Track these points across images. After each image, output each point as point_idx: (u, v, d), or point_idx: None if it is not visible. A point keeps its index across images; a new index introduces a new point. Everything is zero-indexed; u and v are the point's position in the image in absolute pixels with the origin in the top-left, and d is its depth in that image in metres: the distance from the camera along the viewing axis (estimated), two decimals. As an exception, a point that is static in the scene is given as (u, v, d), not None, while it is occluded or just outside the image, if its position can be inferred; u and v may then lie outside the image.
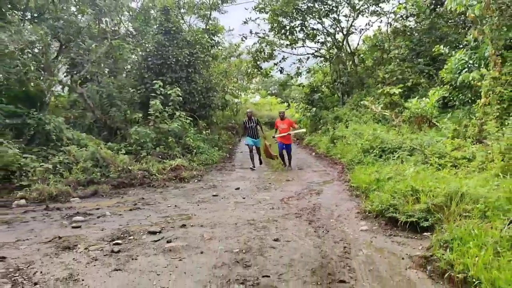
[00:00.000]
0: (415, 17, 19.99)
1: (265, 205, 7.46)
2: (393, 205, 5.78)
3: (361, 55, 24.02)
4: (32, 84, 11.92)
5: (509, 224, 4.00)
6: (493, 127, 8.55)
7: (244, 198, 8.18)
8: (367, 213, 6.31)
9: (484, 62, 11.40)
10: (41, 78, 12.45)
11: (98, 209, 7.51)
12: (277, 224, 6.07)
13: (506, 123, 8.22)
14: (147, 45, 16.99)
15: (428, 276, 4.03)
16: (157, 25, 16.53)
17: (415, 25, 20.16)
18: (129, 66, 17.18)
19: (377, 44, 21.85)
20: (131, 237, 5.54)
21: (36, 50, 13.32)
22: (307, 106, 23.55)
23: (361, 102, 17.13)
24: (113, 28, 17.31)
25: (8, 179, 9.41)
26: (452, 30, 17.72)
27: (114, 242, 5.28)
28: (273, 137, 11.73)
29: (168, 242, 5.27)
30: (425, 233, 5.17)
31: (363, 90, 20.90)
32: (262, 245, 5.12)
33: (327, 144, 15.76)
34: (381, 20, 22.91)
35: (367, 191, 7.40)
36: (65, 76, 17.00)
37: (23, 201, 8.29)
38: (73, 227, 6.21)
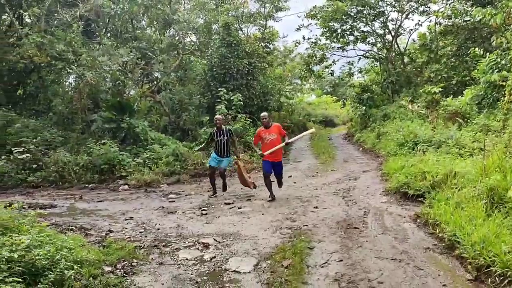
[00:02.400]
0: (463, 15, 20.88)
1: (311, 187, 9.50)
2: (406, 183, 7.62)
3: (410, 55, 25.22)
4: (124, 95, 14.70)
5: (473, 188, 5.78)
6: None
7: (294, 182, 10.25)
8: (388, 191, 8.18)
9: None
10: (128, 89, 15.32)
11: (183, 191, 9.92)
12: (317, 199, 8.11)
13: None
14: (210, 57, 19.49)
15: (416, 225, 5.92)
16: (220, 39, 18.96)
17: (463, 23, 21.09)
18: (196, 76, 19.75)
19: (425, 43, 23.01)
20: (213, 206, 7.84)
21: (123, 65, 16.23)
22: (357, 105, 25.09)
23: (401, 102, 18.51)
24: (182, 42, 20.06)
25: (111, 171, 12.11)
26: (496, 29, 18.63)
27: (202, 209, 7.59)
28: (261, 155, 8.37)
29: (239, 208, 7.51)
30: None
31: (410, 89, 22.16)
32: (305, 210, 7.19)
33: (373, 140, 17.40)
34: (430, 20, 23.71)
35: (393, 176, 9.21)
36: (141, 87, 19.97)
37: (126, 187, 10.90)
38: (170, 201, 8.63)
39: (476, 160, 7.47)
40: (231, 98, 16.20)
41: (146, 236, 6.09)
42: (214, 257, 5.02)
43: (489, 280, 3.91)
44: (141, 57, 17.59)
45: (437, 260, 4.59)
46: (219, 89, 16.49)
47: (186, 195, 9.30)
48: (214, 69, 18.02)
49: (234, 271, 4.55)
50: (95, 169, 12.09)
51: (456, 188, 6.41)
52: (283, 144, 8.10)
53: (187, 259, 5.02)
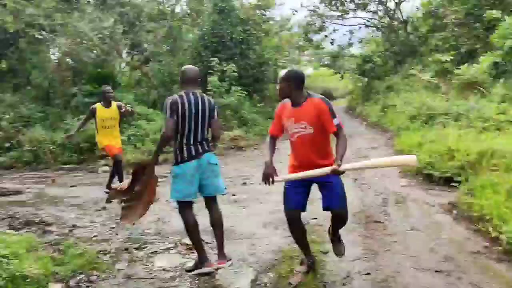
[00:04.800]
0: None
1: (316, 167, 8.30)
2: (430, 163, 6.44)
3: (414, 23, 23.75)
4: (104, 65, 13.34)
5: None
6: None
7: (296, 162, 9.05)
8: (407, 172, 7.00)
9: (536, 25, 11.37)
10: (111, 60, 13.94)
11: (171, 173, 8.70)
12: (325, 182, 6.92)
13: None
14: (202, 25, 17.98)
15: (453, 218, 4.76)
16: (212, 5, 17.43)
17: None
18: (186, 45, 18.28)
19: (430, 11, 21.54)
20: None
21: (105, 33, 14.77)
22: (358, 76, 23.78)
23: (410, 71, 17.25)
24: (170, 10, 18.52)
25: (92, 150, 10.87)
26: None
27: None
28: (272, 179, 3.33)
29: (232, 195, 6.31)
30: (457, 187, 5.83)
31: (415, 59, 20.85)
32: (311, 197, 5.99)
33: (378, 113, 16.19)
34: (436, -16, 22.23)
35: (410, 153, 8.02)
36: (126, 57, 18.50)
37: (106, 168, 9.67)
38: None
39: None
40: (225, 69, 14.84)
41: (117, 234, 4.91)
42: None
43: None
44: (129, 26, 16.14)
45: (496, 273, 3.41)
46: (211, 59, 15.11)
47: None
48: (206, 38, 16.58)
49: (226, 290, 3.40)
50: (73, 148, 10.88)
51: (497, 170, 5.25)
52: (331, 168, 3.03)
53: (164, 269, 3.85)
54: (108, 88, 6.67)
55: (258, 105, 16.77)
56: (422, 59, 19.64)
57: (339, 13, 24.01)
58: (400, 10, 24.07)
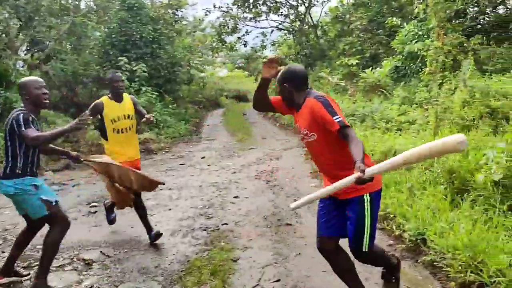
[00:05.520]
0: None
1: (228, 170, 8.15)
2: (339, 163, 6.57)
3: (324, 27, 24.71)
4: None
5: (424, 171, 4.82)
6: (436, 93, 9.44)
7: (209, 165, 8.83)
8: (317, 172, 7.09)
9: (431, 33, 12.28)
10: (5, 57, 12.60)
11: (72, 180, 8.03)
12: (237, 185, 6.79)
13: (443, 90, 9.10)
14: (109, 22, 17.06)
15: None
16: (120, 1, 16.59)
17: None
18: (92, 43, 17.22)
19: (338, 16, 22.55)
20: (107, 200, 6.14)
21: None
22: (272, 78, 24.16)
23: (319, 74, 17.87)
24: (74, 4, 17.32)
25: None
26: (408, 1, 18.57)
27: (91, 205, 5.89)
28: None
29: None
30: (364, 185, 5.99)
31: (325, 62, 21.66)
32: (222, 202, 5.83)
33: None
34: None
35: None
36: (25, 55, 16.98)
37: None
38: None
39: (423, 135, 6.63)
40: (134, 68, 14.18)
41: (3, 252, 4.33)
42: (97, 285, 3.48)
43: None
44: (26, 20, 14.75)
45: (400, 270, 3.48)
46: (119, 58, 14.37)
47: (74, 186, 7.44)
48: (114, 36, 15.74)
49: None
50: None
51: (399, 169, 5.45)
52: (354, 177, 2.14)
53: (55, 291, 3.42)
54: (117, 75, 4.55)
55: (171, 106, 16.28)
56: (331, 62, 20.46)
57: (252, 15, 24.22)
58: (310, 14, 24.89)
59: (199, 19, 26.77)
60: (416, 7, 12.40)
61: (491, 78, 9.07)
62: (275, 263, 3.71)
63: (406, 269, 3.49)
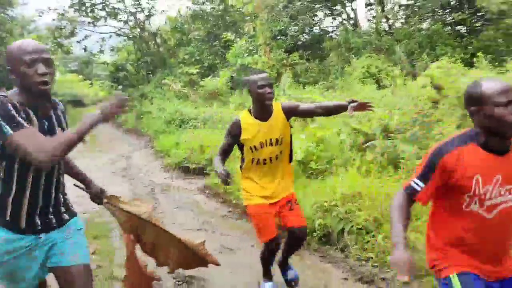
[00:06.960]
0: (210, 2, 22.46)
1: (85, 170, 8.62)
2: (186, 158, 7.78)
3: (163, 35, 25.66)
4: None
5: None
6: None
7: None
8: (168, 167, 8.19)
9: (259, 49, 14.40)
10: None
11: None
12: (97, 181, 7.43)
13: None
14: None
15: (206, 196, 6.12)
16: None
17: (211, 10, 22.68)
18: None
19: (177, 26, 23.78)
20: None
21: None
22: (112, 84, 24.19)
23: (163, 81, 18.88)
24: None
25: None
26: (241, 18, 20.79)
27: None
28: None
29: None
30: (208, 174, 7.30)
31: (166, 69, 22.65)
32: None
33: (134, 119, 17.12)
34: (181, 4, 24.60)
35: (169, 152, 9.27)
36: None
37: None
38: None
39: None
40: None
41: None
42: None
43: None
44: None
45: (236, 225, 4.84)
46: None
47: None
48: None
49: None
50: None
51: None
52: None
53: None
54: (263, 75, 2.83)
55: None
56: (173, 70, 21.56)
57: (90, 20, 23.84)
58: (149, 22, 25.56)
59: (31, 20, 25.21)
60: (247, 27, 14.41)
61: (305, 88, 11.39)
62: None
63: (241, 223, 4.86)
